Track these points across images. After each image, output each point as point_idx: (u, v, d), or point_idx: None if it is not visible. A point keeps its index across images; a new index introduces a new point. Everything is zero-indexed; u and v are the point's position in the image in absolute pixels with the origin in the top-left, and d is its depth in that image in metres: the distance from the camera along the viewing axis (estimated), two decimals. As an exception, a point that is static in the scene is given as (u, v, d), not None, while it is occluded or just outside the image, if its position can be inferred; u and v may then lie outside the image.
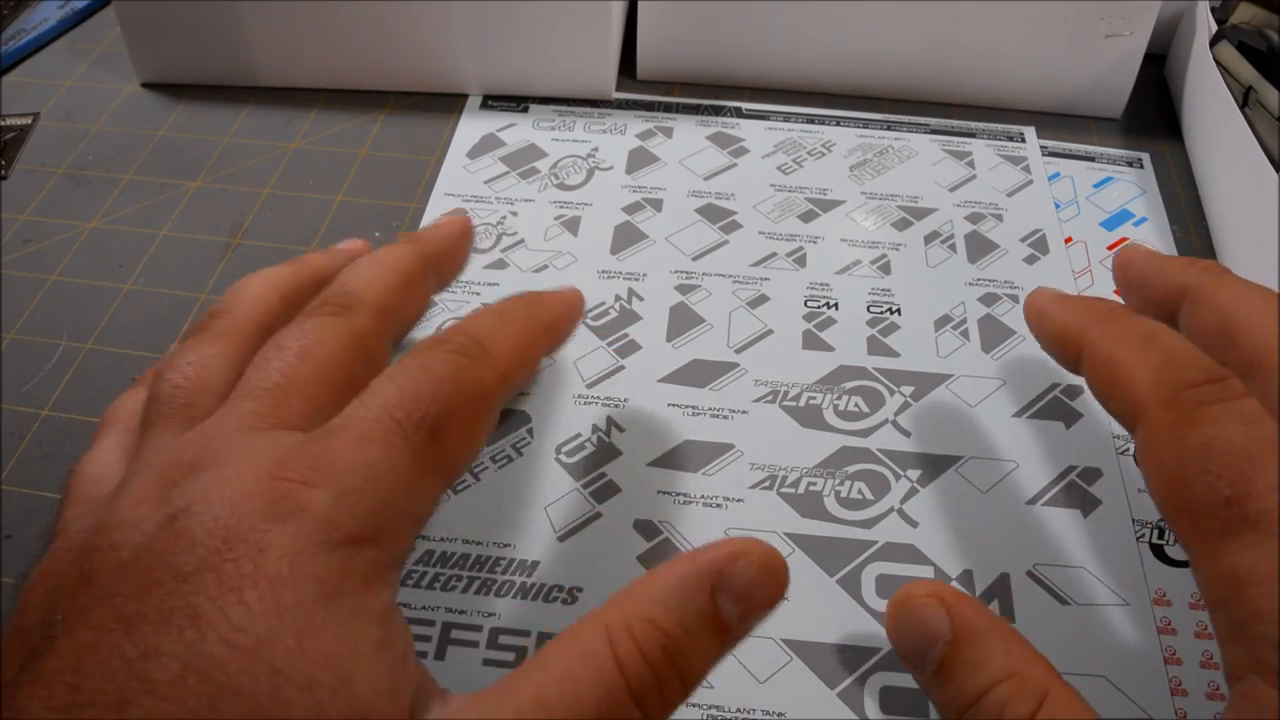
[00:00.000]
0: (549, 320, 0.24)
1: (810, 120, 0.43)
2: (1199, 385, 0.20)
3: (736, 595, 0.18)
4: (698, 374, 0.33)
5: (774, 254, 0.37)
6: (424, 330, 0.35)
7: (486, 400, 0.20)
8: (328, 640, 0.16)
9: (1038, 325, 0.26)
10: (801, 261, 0.37)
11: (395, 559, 0.18)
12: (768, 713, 0.26)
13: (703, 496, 0.30)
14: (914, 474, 0.31)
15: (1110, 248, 0.38)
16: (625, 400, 0.33)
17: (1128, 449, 0.32)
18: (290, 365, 0.20)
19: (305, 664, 0.15)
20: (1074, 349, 0.24)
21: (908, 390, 0.33)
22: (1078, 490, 0.30)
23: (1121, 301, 0.26)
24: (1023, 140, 0.42)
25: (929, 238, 0.38)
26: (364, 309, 0.22)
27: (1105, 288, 0.37)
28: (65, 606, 0.16)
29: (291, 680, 0.15)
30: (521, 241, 0.38)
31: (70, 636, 0.16)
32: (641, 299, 0.36)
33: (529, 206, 0.39)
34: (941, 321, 0.35)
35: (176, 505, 0.17)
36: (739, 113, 0.43)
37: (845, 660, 0.27)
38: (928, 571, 0.28)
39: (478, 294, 0.36)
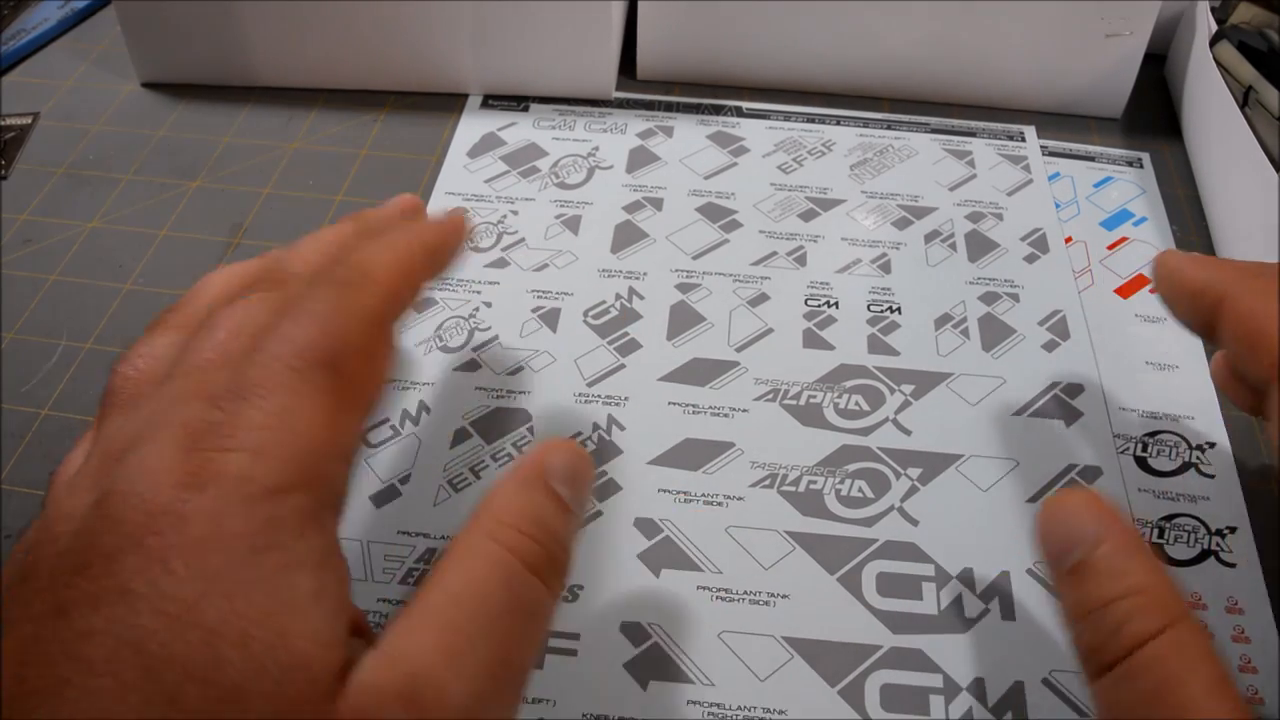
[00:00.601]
0: (430, 241, 0.24)
1: (810, 119, 0.43)
2: None
3: (563, 479, 0.20)
4: (698, 372, 0.33)
5: (774, 253, 0.37)
6: (424, 332, 0.35)
7: (377, 324, 0.21)
8: (260, 595, 0.16)
9: (1169, 281, 0.26)
10: (802, 260, 0.37)
11: (327, 501, 0.18)
12: (769, 710, 0.26)
13: (703, 494, 0.30)
14: (914, 472, 0.31)
15: (1110, 247, 0.38)
16: (626, 398, 0.33)
17: (1128, 448, 0.32)
18: (221, 341, 0.20)
19: (238, 620, 0.15)
20: (1210, 303, 0.24)
21: (908, 389, 0.33)
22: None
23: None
24: (1023, 140, 0.42)
25: (929, 237, 0.38)
26: (297, 282, 0.22)
27: (1106, 287, 0.37)
28: (8, 606, 0.16)
29: (225, 639, 0.15)
30: (522, 240, 0.38)
31: (13, 632, 0.16)
32: (642, 297, 0.36)
33: (529, 205, 0.39)
34: (942, 320, 0.35)
35: (103, 489, 0.17)
36: (739, 112, 0.44)
37: (846, 658, 0.27)
38: (928, 570, 0.28)
39: (478, 292, 0.36)
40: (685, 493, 0.30)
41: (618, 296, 0.36)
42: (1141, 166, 0.42)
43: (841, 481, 0.31)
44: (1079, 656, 0.20)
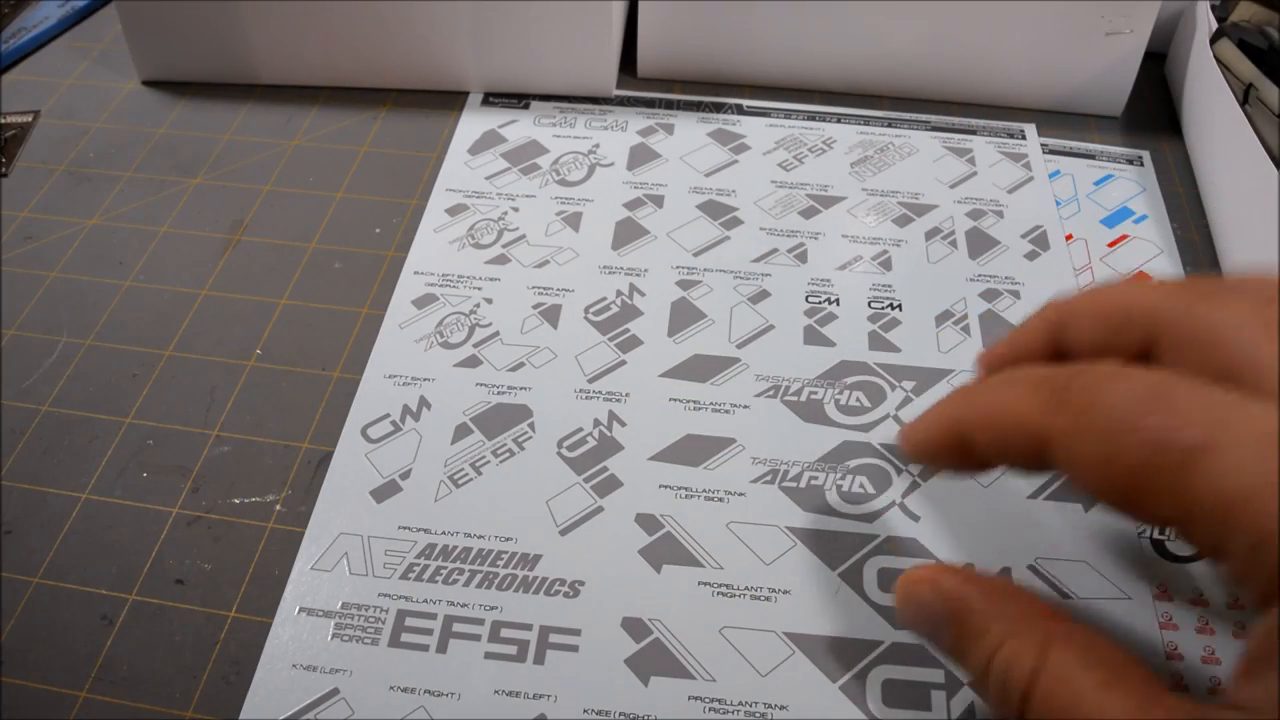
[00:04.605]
0: None
1: (811, 117, 0.43)
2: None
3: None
4: (699, 369, 0.33)
5: (775, 250, 0.37)
6: (425, 328, 0.35)
7: None
8: None
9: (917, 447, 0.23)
10: (803, 257, 0.37)
11: None
12: (770, 705, 0.26)
13: (704, 490, 0.30)
14: (915, 468, 0.31)
15: (1110, 245, 0.38)
16: (627, 395, 0.33)
17: (1129, 444, 0.32)
18: None
19: None
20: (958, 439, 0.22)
21: (909, 385, 0.33)
22: (1079, 485, 0.30)
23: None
24: (1023, 137, 0.42)
25: (930, 234, 0.38)
26: None
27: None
28: None
29: None
30: (523, 237, 0.38)
31: None
32: (643, 294, 0.36)
33: (530, 202, 0.39)
34: (943, 317, 0.35)
35: None
36: (740, 109, 0.44)
37: (847, 653, 0.27)
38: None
39: (479, 288, 0.36)
40: (686, 488, 0.30)
41: (618, 293, 0.36)
42: (1142, 164, 0.42)
43: (843, 477, 0.31)
44: None
